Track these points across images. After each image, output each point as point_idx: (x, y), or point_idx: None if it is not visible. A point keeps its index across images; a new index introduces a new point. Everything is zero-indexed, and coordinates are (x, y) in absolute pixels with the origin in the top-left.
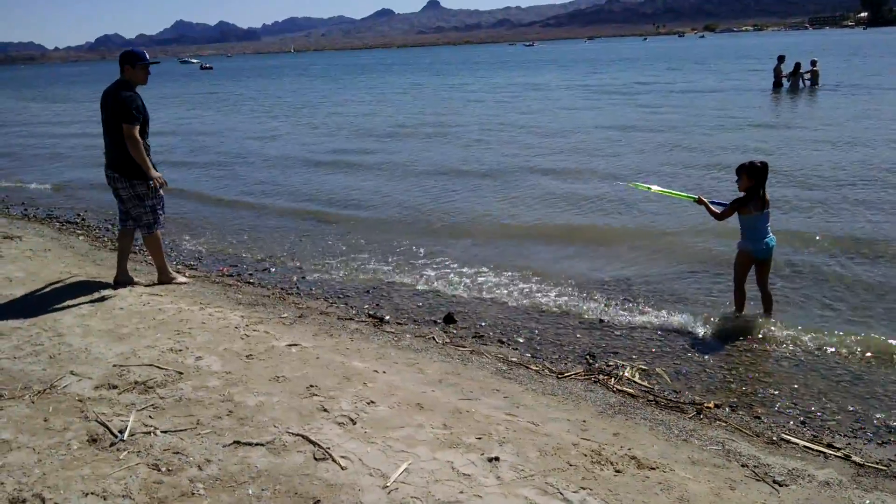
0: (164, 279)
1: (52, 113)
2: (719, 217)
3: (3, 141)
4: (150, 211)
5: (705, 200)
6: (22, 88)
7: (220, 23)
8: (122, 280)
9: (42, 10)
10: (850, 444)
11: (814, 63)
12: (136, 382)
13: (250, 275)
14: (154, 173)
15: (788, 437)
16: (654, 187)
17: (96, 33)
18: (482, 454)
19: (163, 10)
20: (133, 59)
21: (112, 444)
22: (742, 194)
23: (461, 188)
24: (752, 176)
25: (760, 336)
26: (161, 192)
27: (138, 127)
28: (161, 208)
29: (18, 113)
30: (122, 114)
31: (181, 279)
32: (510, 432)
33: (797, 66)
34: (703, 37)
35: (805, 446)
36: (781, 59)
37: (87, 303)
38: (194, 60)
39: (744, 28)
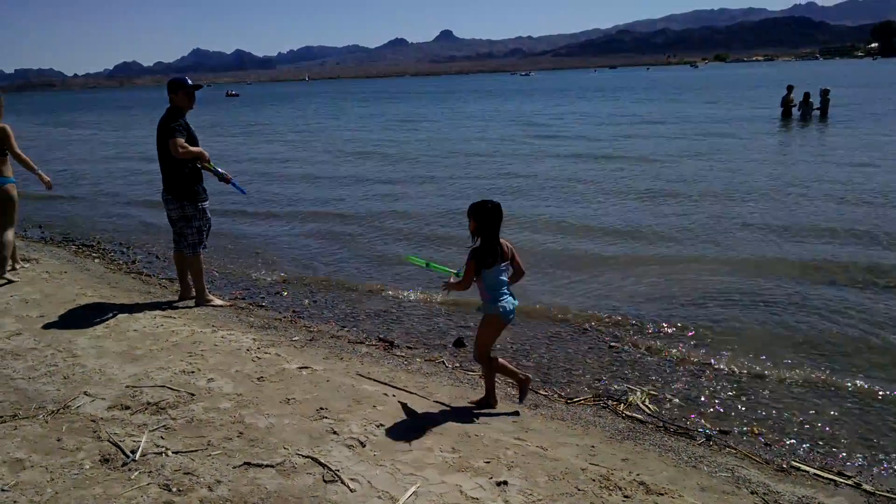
0: (201, 301)
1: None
2: (463, 283)
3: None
4: (196, 232)
5: (453, 281)
6: (40, 114)
7: (237, 51)
8: (186, 296)
9: (62, 38)
10: (860, 472)
11: (824, 93)
12: (148, 403)
13: (262, 298)
14: (218, 169)
15: (798, 465)
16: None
17: (115, 60)
18: (491, 478)
19: (181, 39)
20: (176, 87)
21: (124, 465)
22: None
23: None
24: (478, 218)
25: (770, 363)
26: (209, 214)
27: (182, 138)
28: (207, 231)
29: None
30: (166, 133)
31: (217, 302)
32: (519, 457)
33: (806, 95)
34: (696, 67)
35: (815, 474)
36: (790, 88)
37: (101, 325)
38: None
39: (755, 58)
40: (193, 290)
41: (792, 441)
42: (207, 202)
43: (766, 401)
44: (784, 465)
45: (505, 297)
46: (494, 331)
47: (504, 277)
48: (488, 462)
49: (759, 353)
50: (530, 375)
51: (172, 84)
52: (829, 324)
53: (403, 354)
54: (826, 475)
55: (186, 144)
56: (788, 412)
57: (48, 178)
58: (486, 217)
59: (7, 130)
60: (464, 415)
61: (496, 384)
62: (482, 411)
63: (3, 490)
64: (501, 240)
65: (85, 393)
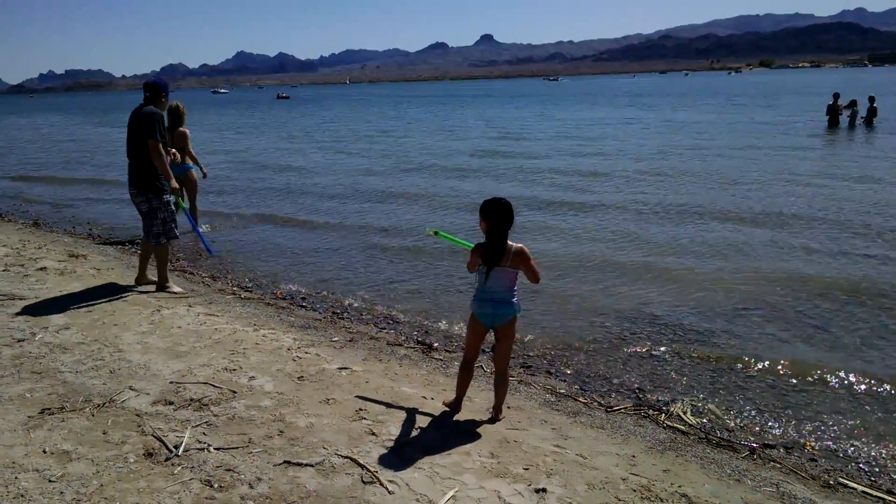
0: (161, 287)
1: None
2: (469, 265)
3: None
4: (161, 223)
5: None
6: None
7: (280, 54)
8: (141, 282)
9: (110, 40)
10: None
11: (871, 100)
12: (191, 399)
13: (303, 298)
14: (174, 183)
15: (846, 481)
16: (442, 233)
17: (161, 62)
18: (529, 485)
19: (225, 41)
20: (166, 89)
21: (167, 459)
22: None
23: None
24: (485, 216)
25: (816, 377)
26: (173, 207)
27: (164, 146)
28: (172, 222)
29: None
30: (148, 132)
31: (176, 288)
32: (558, 464)
33: (853, 102)
34: (730, 74)
35: (863, 491)
36: (836, 96)
37: (146, 321)
38: (223, 90)
39: (801, 64)
40: (157, 275)
41: (839, 457)
42: (171, 196)
43: (812, 414)
44: (831, 482)
45: (486, 302)
46: (472, 329)
47: (498, 284)
48: (527, 469)
49: (804, 365)
50: (460, 413)
51: (162, 87)
52: (880, 339)
53: (442, 357)
54: (875, 493)
55: (163, 153)
56: (836, 427)
57: (206, 171)
58: (493, 214)
59: (188, 133)
60: (502, 420)
61: (506, 396)
62: (506, 419)
63: (50, 481)
64: (512, 244)
65: (130, 388)
